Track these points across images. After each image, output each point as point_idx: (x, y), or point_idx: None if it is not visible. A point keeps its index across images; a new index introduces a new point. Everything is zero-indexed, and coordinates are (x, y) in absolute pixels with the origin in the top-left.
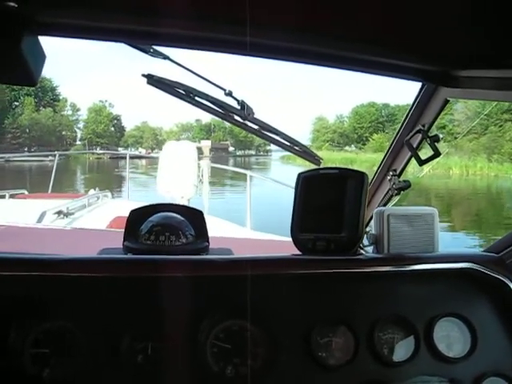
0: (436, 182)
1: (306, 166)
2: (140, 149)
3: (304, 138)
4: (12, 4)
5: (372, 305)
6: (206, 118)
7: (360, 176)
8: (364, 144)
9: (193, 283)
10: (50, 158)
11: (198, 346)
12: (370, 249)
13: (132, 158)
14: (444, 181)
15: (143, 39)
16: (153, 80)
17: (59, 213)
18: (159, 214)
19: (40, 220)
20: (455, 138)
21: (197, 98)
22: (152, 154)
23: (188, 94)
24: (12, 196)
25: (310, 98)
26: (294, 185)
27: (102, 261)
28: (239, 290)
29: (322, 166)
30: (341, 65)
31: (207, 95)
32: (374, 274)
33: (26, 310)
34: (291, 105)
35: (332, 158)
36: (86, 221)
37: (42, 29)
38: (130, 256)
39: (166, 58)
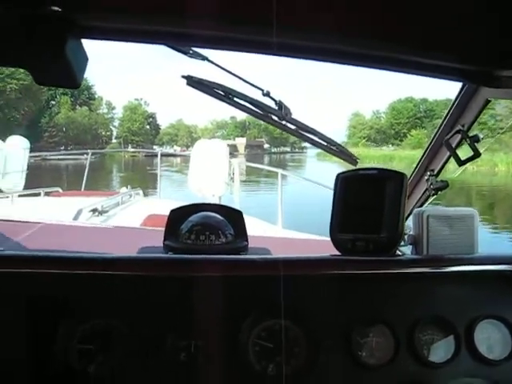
0: (481, 179)
1: (341, 163)
2: (175, 146)
3: (340, 134)
4: (56, 8)
5: (412, 305)
6: (241, 115)
7: (399, 177)
8: (401, 140)
9: (233, 282)
10: (86, 156)
11: (240, 344)
12: (407, 249)
13: (164, 155)
14: (489, 178)
15: (181, 41)
16: (192, 81)
17: (94, 210)
18: (199, 214)
19: (76, 217)
20: (498, 133)
21: (235, 99)
22: (184, 152)
23: (227, 95)
24: (47, 194)
25: (346, 94)
26: (327, 183)
27: (144, 260)
28: (279, 289)
29: (359, 166)
30: (377, 65)
31: (245, 96)
32: (414, 274)
33: (72, 308)
34: (327, 101)
35: (370, 155)
36: (120, 218)
37: (85, 32)
38: (171, 255)
39: (204, 58)
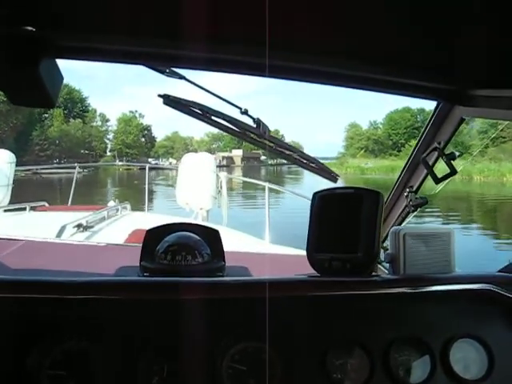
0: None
1: (341, 176)
2: (171, 159)
3: (337, 145)
4: (30, 28)
5: (388, 326)
6: None
7: (375, 195)
8: (399, 151)
9: (208, 305)
10: (78, 169)
11: (214, 367)
12: (387, 265)
13: (153, 169)
14: (498, 188)
15: (160, 61)
16: (169, 100)
17: (78, 226)
18: (175, 234)
19: (59, 234)
20: (502, 143)
21: (213, 117)
22: (172, 166)
23: (204, 114)
24: (32, 208)
25: (343, 105)
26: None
27: (118, 283)
28: (255, 311)
29: (338, 186)
30: (358, 85)
31: (223, 114)
32: (390, 295)
33: (44, 332)
34: (323, 112)
35: (370, 166)
36: (105, 234)
37: (59, 52)
38: (145, 278)
39: (181, 77)
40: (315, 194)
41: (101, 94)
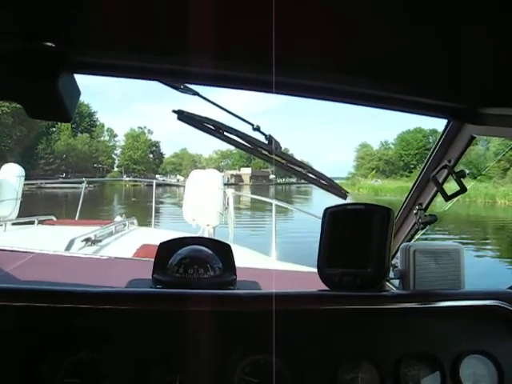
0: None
1: (354, 196)
2: (178, 176)
3: (346, 165)
4: (50, 44)
5: (398, 341)
6: None
7: (386, 212)
8: (411, 172)
9: (220, 317)
10: (84, 185)
11: (225, 379)
12: (396, 281)
13: (159, 185)
14: None
15: (174, 77)
16: (183, 116)
17: (87, 240)
18: (188, 247)
19: (68, 248)
20: None
21: (225, 133)
22: (180, 182)
23: (217, 130)
24: (41, 222)
25: (352, 125)
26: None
27: (131, 294)
28: (266, 324)
29: (348, 201)
30: (367, 102)
31: (236, 130)
32: (400, 310)
33: (57, 341)
34: (332, 132)
35: (385, 187)
36: (113, 248)
37: (77, 67)
38: (158, 290)
39: (195, 94)
40: (326, 209)
41: (110, 111)
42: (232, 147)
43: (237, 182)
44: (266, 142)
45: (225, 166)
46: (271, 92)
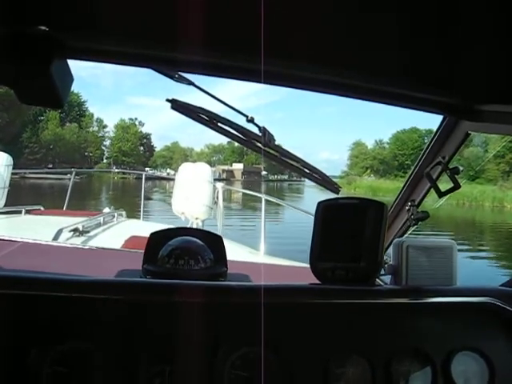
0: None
1: (347, 193)
2: (169, 170)
3: (338, 163)
4: (43, 28)
5: (389, 336)
6: None
7: (380, 206)
8: (405, 172)
9: (211, 309)
10: (69, 175)
11: (215, 372)
12: (386, 278)
13: (150, 178)
14: None
15: (165, 65)
16: (177, 105)
17: (75, 230)
18: (179, 238)
19: (56, 237)
20: None
21: (219, 124)
22: (170, 176)
23: (211, 120)
24: (28, 212)
25: (347, 122)
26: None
27: (121, 284)
28: (257, 317)
29: (341, 196)
30: (361, 96)
31: (230, 121)
32: (392, 305)
33: (45, 330)
34: (326, 130)
35: (382, 187)
36: (102, 239)
37: (71, 53)
38: (148, 280)
39: (190, 83)
40: (320, 203)
41: (102, 102)
42: (224, 142)
43: (228, 178)
44: (260, 135)
45: (216, 160)
46: (260, 82)
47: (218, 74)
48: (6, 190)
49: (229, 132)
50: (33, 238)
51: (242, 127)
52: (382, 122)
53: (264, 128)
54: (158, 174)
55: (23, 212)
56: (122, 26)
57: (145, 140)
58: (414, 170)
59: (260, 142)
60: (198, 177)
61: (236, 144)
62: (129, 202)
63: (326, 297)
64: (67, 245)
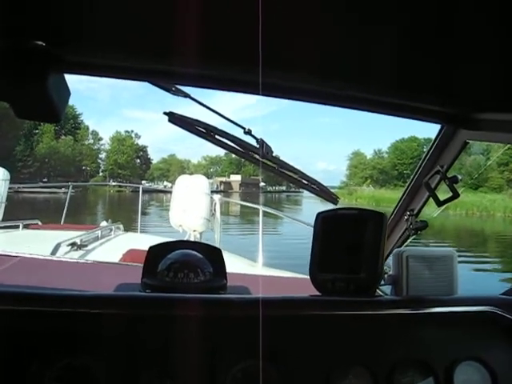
0: None
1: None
2: (166, 182)
3: (336, 173)
4: (40, 43)
5: (391, 347)
6: None
7: (379, 217)
8: (405, 182)
9: (210, 322)
10: (64, 189)
11: None
12: (386, 288)
13: (146, 191)
14: None
15: (162, 78)
16: (174, 118)
17: (73, 245)
18: (178, 252)
19: (54, 252)
20: None
21: (216, 136)
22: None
23: (208, 133)
24: (26, 226)
25: (345, 132)
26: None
27: (121, 298)
28: (257, 330)
29: (340, 206)
30: (359, 106)
31: (227, 133)
32: (394, 316)
33: (46, 345)
34: (324, 139)
35: (386, 197)
36: (99, 253)
37: (68, 67)
38: (148, 294)
39: (186, 96)
40: (319, 214)
41: (99, 115)
42: (222, 153)
43: (226, 190)
44: (257, 146)
45: (214, 172)
46: (258, 94)
47: (215, 86)
48: (3, 204)
49: (226, 144)
50: (31, 252)
51: (239, 139)
52: (381, 132)
53: (262, 140)
54: (154, 186)
55: (21, 227)
56: (119, 40)
57: (141, 152)
58: (413, 179)
59: (258, 154)
60: (195, 189)
61: (233, 155)
62: (125, 216)
63: (327, 308)
64: (66, 259)
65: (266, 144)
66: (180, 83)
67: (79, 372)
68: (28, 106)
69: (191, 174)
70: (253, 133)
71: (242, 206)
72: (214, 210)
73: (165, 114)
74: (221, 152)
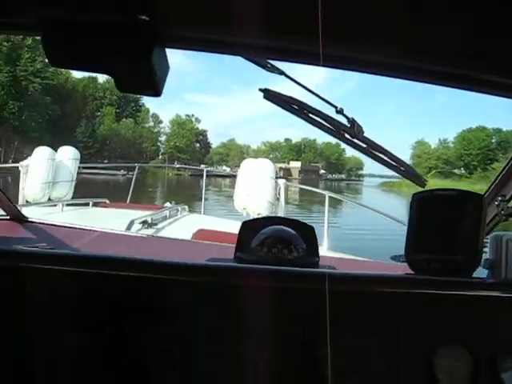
0: None
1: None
2: (224, 167)
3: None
4: (144, 17)
5: (491, 330)
6: (296, 137)
7: (478, 199)
8: (471, 173)
9: (310, 295)
10: (123, 172)
11: (317, 360)
12: (482, 273)
13: (210, 175)
14: None
15: (259, 53)
16: (269, 94)
17: (144, 222)
18: (272, 227)
19: (129, 228)
20: None
21: (310, 115)
22: (232, 172)
23: (302, 110)
24: (95, 204)
25: (408, 121)
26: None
27: (218, 268)
28: (364, 305)
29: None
30: (430, 79)
31: (319, 111)
32: (493, 298)
33: (149, 312)
34: (386, 127)
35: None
36: (170, 231)
37: (169, 42)
38: (242, 265)
39: (281, 73)
40: (415, 194)
41: (160, 98)
42: (281, 139)
43: (285, 176)
44: (349, 126)
45: (273, 158)
46: (319, 65)
47: (277, 57)
48: (74, 183)
49: (318, 122)
50: (108, 227)
51: (331, 118)
52: (446, 120)
53: (353, 119)
54: (215, 171)
55: (90, 204)
56: (219, 14)
57: (201, 137)
58: (509, 163)
59: (349, 134)
60: (260, 173)
61: (293, 142)
62: (184, 199)
63: (423, 287)
64: (141, 235)
65: (358, 124)
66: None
67: (181, 338)
68: (131, 80)
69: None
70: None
71: (301, 194)
72: (279, 194)
73: (260, 90)
74: (280, 138)
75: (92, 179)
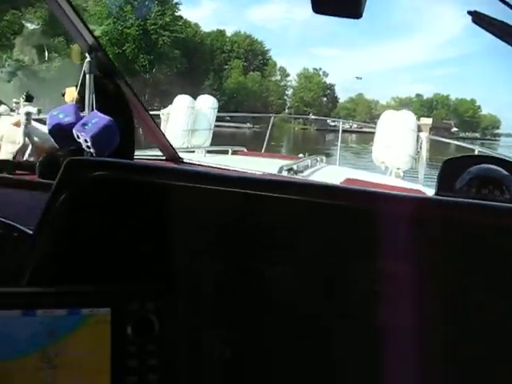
0: None
1: None
2: (351, 122)
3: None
4: None
5: None
6: (428, 92)
7: None
8: None
9: None
10: (249, 125)
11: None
12: None
13: (331, 131)
14: None
15: None
16: (479, 18)
17: (290, 170)
18: (479, 166)
19: (280, 171)
20: None
21: None
22: (364, 129)
23: None
24: (234, 152)
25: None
26: None
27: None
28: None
29: None
30: None
31: None
32: None
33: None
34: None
35: None
36: (317, 179)
37: None
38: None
39: None
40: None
41: (287, 52)
42: (412, 95)
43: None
44: None
45: None
46: None
47: None
48: (212, 131)
49: None
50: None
51: None
52: None
53: None
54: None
55: (230, 152)
56: None
57: (328, 91)
58: None
59: None
60: (401, 125)
61: (425, 97)
62: (310, 153)
63: None
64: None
65: None
66: None
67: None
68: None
69: (379, 115)
70: None
71: (431, 152)
72: (420, 148)
73: (469, 13)
74: (411, 93)
75: (220, 132)
